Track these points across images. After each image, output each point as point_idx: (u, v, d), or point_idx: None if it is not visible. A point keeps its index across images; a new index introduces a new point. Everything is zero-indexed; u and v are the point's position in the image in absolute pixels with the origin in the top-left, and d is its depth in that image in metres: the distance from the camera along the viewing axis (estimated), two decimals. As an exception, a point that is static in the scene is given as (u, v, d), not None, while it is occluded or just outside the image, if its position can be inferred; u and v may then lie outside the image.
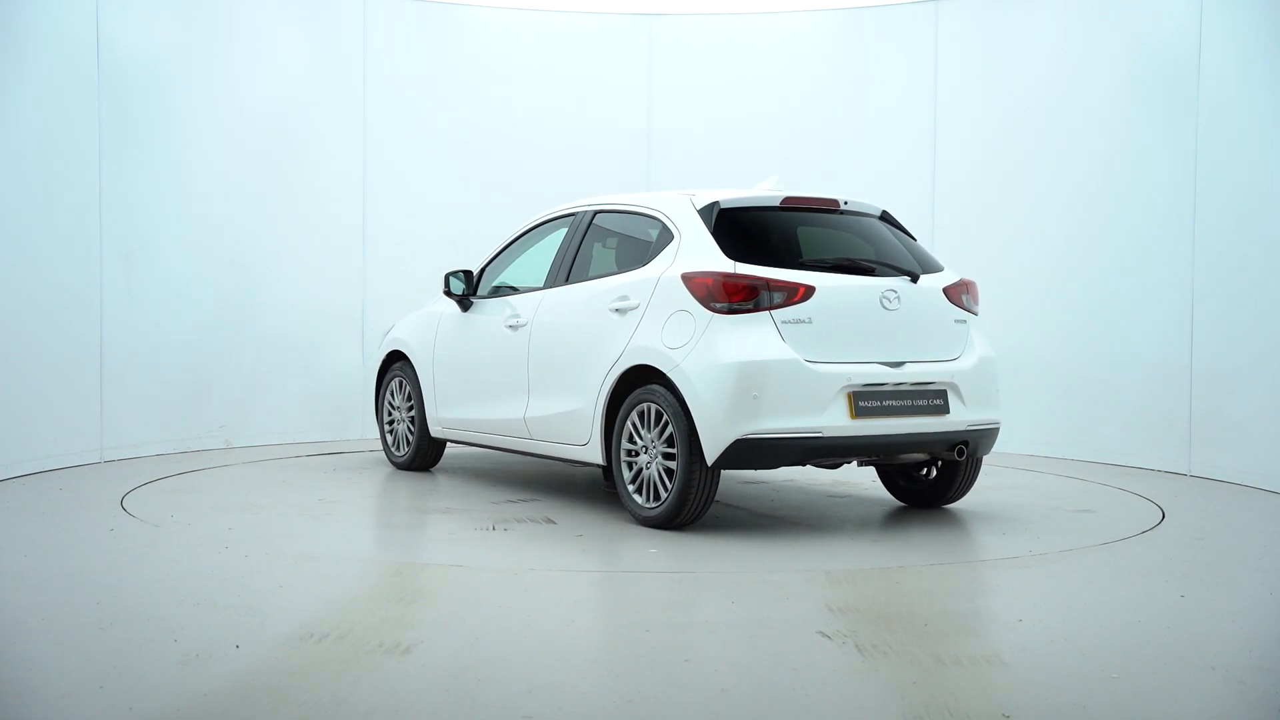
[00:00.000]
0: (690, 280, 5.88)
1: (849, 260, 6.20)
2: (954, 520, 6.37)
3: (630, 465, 6.11)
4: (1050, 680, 3.69)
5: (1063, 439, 8.85)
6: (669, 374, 5.84)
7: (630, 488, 6.11)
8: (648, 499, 6.03)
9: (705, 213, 6.12)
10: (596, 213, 6.83)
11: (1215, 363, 7.87)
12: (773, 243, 6.25)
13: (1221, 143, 7.80)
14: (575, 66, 10.09)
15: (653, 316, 6.02)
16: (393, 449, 8.15)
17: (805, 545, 5.70)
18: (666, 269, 6.06)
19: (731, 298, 5.77)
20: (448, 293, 7.52)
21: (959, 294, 6.27)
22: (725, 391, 5.66)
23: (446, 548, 5.66)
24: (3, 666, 3.73)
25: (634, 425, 6.06)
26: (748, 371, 5.66)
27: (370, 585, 4.80)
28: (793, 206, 6.28)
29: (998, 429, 6.31)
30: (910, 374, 5.94)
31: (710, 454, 5.71)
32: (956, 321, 6.21)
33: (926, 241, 9.54)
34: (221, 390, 8.93)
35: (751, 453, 5.71)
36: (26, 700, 3.42)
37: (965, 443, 6.10)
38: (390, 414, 8.17)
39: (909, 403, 5.94)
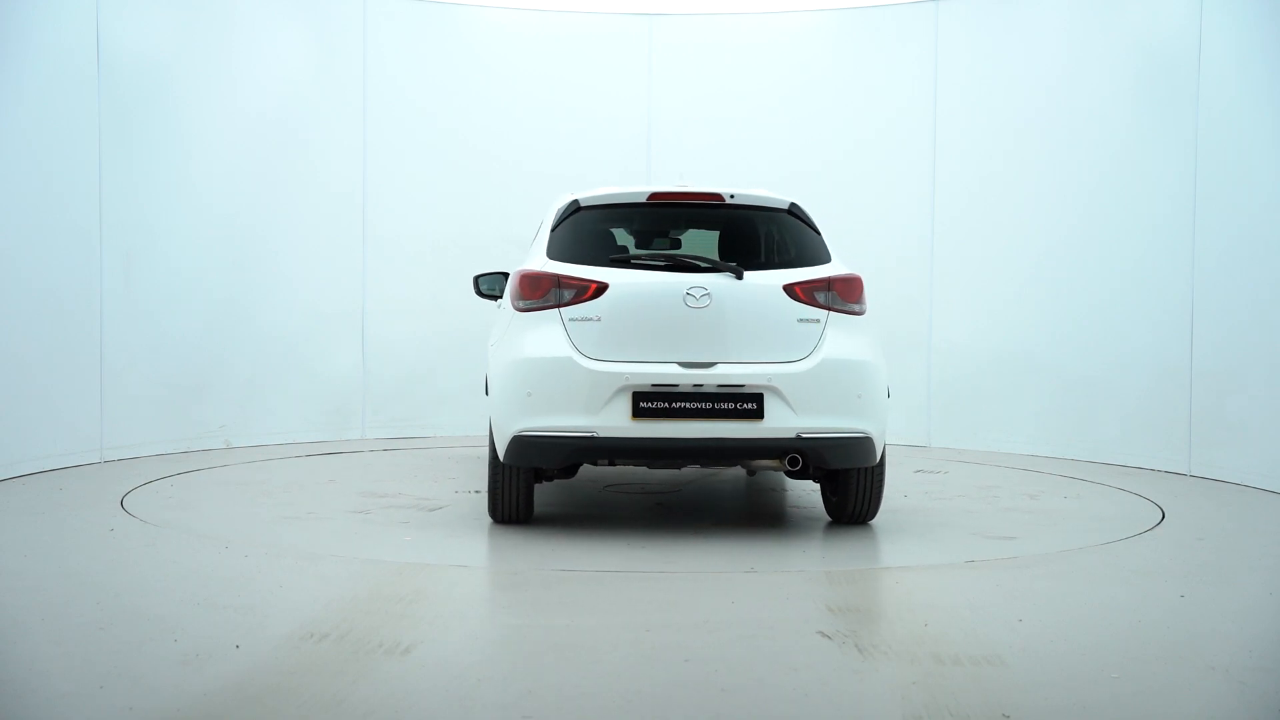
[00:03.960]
0: (513, 278, 5.97)
1: (666, 257, 6.03)
2: (953, 521, 6.37)
3: None
4: (1050, 680, 3.69)
5: (1062, 439, 8.85)
6: (487, 370, 5.94)
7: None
8: None
9: (562, 210, 6.13)
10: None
11: (1215, 363, 7.87)
12: (606, 240, 6.21)
13: (1222, 143, 7.81)
14: (575, 67, 10.09)
15: (500, 314, 6.16)
16: None
17: (805, 545, 5.70)
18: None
19: (529, 295, 5.79)
20: (477, 293, 7.61)
21: (812, 291, 5.78)
22: (506, 388, 5.71)
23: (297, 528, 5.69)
24: (3, 666, 3.73)
25: None
26: (520, 369, 5.66)
27: (370, 585, 4.80)
28: (662, 202, 6.18)
29: (860, 439, 5.68)
30: (716, 376, 5.58)
31: (500, 450, 5.73)
32: (801, 321, 5.72)
33: (926, 241, 9.55)
34: (221, 390, 8.94)
35: (530, 450, 5.63)
36: (26, 700, 3.42)
37: (800, 452, 5.66)
38: None
39: (708, 406, 5.57)
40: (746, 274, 5.77)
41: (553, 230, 6.06)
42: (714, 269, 5.80)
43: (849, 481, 6.02)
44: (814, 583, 4.95)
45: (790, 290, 5.76)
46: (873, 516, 6.16)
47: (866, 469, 5.94)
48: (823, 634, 4.13)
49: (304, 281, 9.41)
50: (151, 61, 8.40)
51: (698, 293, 5.67)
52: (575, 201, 6.14)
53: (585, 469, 7.88)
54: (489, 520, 6.18)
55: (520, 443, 5.62)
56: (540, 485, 7.32)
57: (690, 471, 7.78)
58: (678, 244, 6.88)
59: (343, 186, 9.61)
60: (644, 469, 7.69)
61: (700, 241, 6.93)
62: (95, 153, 7.94)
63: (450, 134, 9.91)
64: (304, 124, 9.39)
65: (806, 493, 7.15)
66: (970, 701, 3.47)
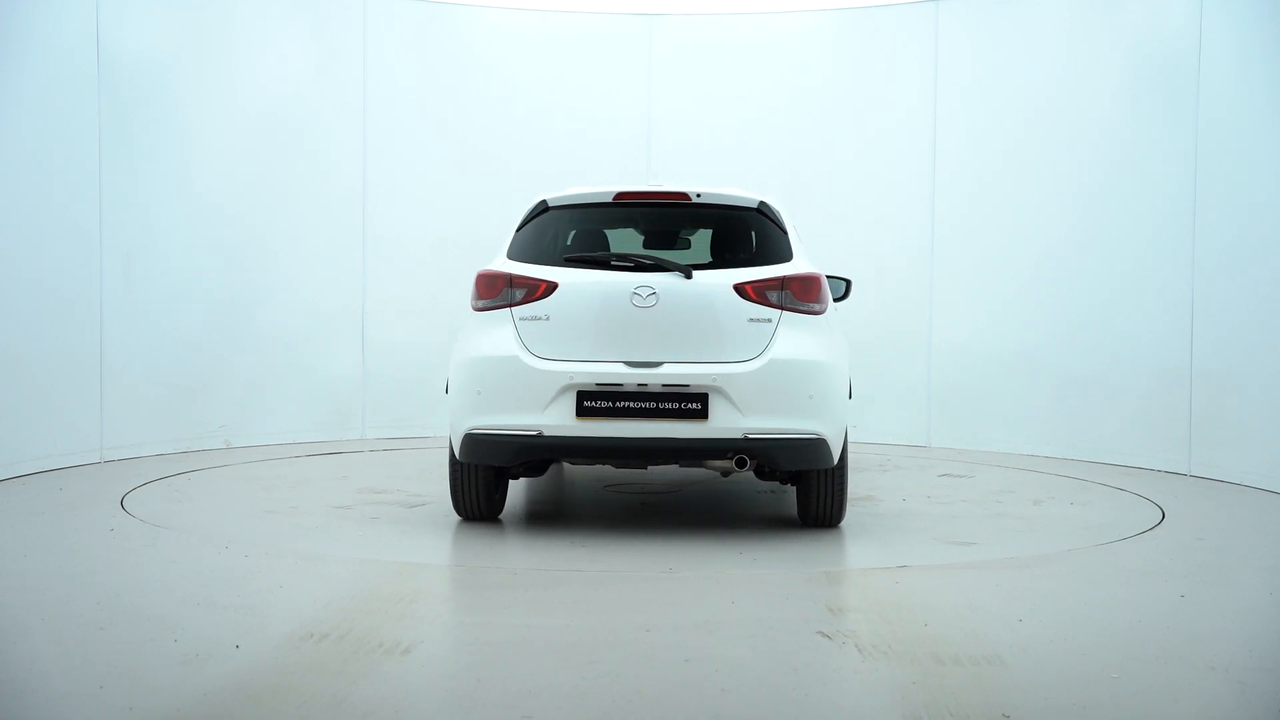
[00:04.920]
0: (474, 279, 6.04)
1: (620, 256, 5.96)
2: (952, 521, 6.37)
3: None
4: (1050, 680, 3.69)
5: (1063, 439, 8.85)
6: (449, 369, 5.98)
7: None
8: None
9: (530, 210, 6.16)
10: None
11: (1215, 363, 7.88)
12: (565, 239, 6.20)
13: (1222, 143, 7.81)
14: (575, 66, 10.10)
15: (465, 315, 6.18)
16: None
17: (805, 545, 5.70)
18: None
19: (484, 294, 5.83)
20: None
21: (764, 290, 5.69)
22: (459, 387, 5.76)
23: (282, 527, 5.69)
24: (3, 666, 3.73)
25: None
26: (472, 368, 5.71)
27: (370, 585, 4.80)
28: (628, 201, 6.17)
29: (812, 440, 5.57)
30: (661, 375, 5.55)
31: (455, 447, 5.78)
32: (752, 320, 5.64)
33: (926, 241, 9.55)
34: (221, 390, 8.94)
35: (480, 448, 5.67)
36: (26, 700, 3.42)
37: (749, 453, 5.58)
38: None
39: (653, 405, 5.54)
40: (697, 273, 5.73)
41: (518, 230, 6.10)
42: (662, 268, 5.76)
43: (809, 484, 5.95)
44: (814, 583, 4.95)
45: (741, 289, 5.70)
46: (839, 520, 6.08)
47: (826, 471, 5.85)
48: (823, 634, 4.13)
49: (304, 281, 9.41)
50: (151, 61, 8.40)
51: (644, 292, 5.66)
52: (544, 202, 6.17)
53: (585, 469, 7.89)
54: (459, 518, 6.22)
55: (471, 440, 5.67)
56: (540, 483, 7.34)
57: (687, 473, 7.78)
58: (686, 244, 6.85)
59: (343, 186, 9.61)
60: (647, 470, 7.69)
61: (666, 241, 6.92)
62: (95, 153, 7.94)
63: (451, 134, 9.91)
64: (304, 124, 9.39)
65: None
66: (970, 701, 3.47)
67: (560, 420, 5.56)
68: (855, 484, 7.45)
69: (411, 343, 9.77)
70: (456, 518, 6.28)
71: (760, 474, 6.00)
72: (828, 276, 7.36)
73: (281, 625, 4.19)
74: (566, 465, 7.89)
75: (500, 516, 6.32)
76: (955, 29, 9.45)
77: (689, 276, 5.71)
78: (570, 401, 5.57)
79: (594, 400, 5.57)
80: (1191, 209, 8.00)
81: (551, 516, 6.43)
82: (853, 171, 9.78)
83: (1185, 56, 8.01)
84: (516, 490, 7.17)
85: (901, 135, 9.66)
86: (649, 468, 7.58)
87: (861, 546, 5.73)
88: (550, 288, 5.71)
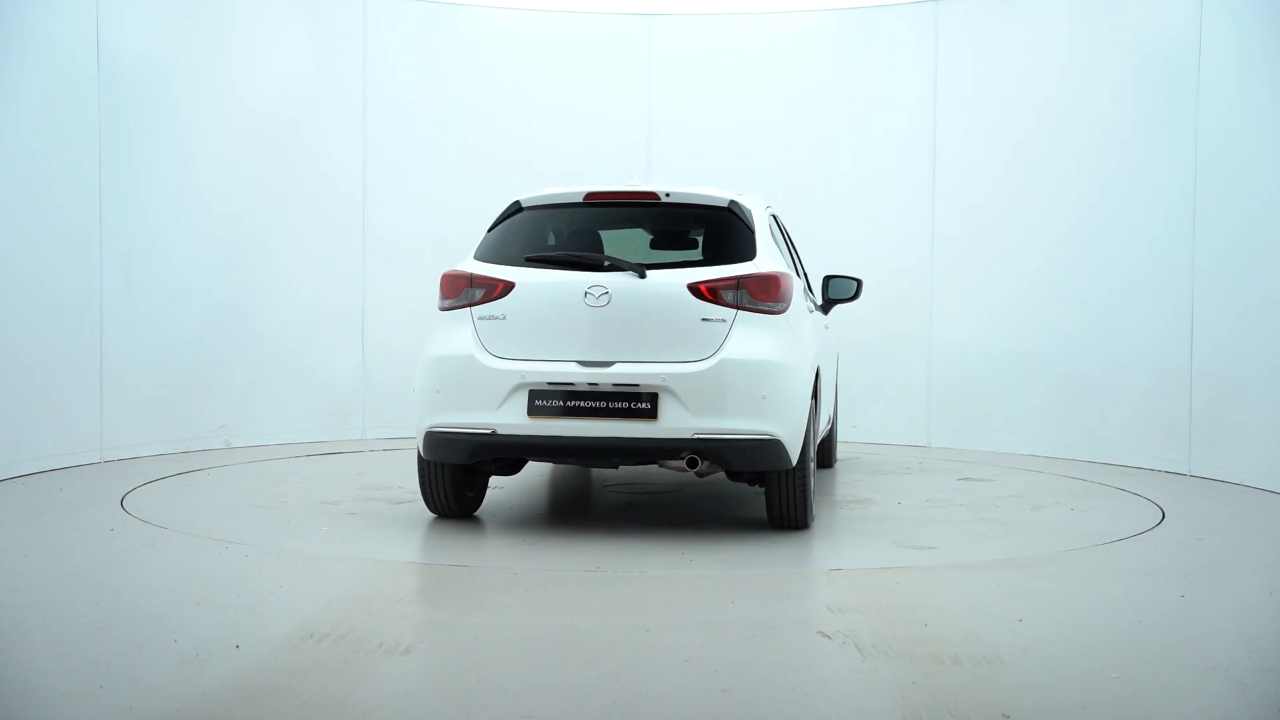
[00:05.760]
0: None
1: (578, 256, 5.93)
2: (952, 520, 6.37)
3: None
4: (1050, 680, 3.69)
5: (1063, 439, 8.85)
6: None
7: None
8: None
9: (503, 211, 6.22)
10: None
11: (1215, 363, 7.88)
12: (537, 240, 6.20)
13: (1222, 143, 7.81)
14: (575, 66, 10.10)
15: None
16: None
17: (805, 545, 5.70)
18: None
19: (448, 295, 5.90)
20: None
21: (719, 290, 5.63)
22: (421, 386, 5.85)
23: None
24: (3, 666, 3.73)
25: None
26: (432, 367, 5.82)
27: (370, 585, 4.80)
28: (598, 202, 6.19)
29: (764, 441, 5.50)
30: (612, 375, 5.54)
31: (419, 445, 5.85)
32: (705, 320, 5.59)
33: (926, 241, 9.55)
34: (221, 390, 8.93)
35: (439, 445, 5.75)
36: (26, 700, 3.42)
37: (699, 453, 5.55)
38: None
39: (603, 405, 5.55)
40: (654, 273, 5.71)
41: (489, 231, 6.16)
42: (616, 268, 5.74)
43: (771, 486, 5.84)
44: (814, 583, 4.95)
45: (695, 289, 5.65)
46: (804, 522, 5.94)
47: (787, 473, 5.74)
48: (823, 634, 4.13)
49: (304, 281, 9.41)
50: (151, 61, 8.40)
51: (596, 291, 5.66)
52: (517, 202, 6.23)
53: (592, 470, 7.88)
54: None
55: (431, 438, 5.76)
56: (542, 482, 7.34)
57: (683, 474, 7.78)
58: (693, 244, 6.84)
59: (343, 186, 9.60)
60: (619, 469, 7.68)
61: (636, 240, 6.91)
62: (95, 153, 7.94)
63: (451, 134, 9.91)
64: (304, 124, 9.39)
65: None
66: (970, 701, 3.47)
67: (513, 419, 5.60)
68: (862, 486, 7.45)
69: (411, 343, 9.65)
70: (406, 513, 6.29)
71: (730, 475, 5.96)
72: (837, 277, 7.35)
73: (281, 625, 4.19)
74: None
75: (500, 516, 6.32)
76: (955, 29, 9.45)
77: (643, 276, 5.71)
78: (523, 400, 5.61)
79: (545, 399, 5.60)
80: (1191, 209, 7.99)
81: (550, 516, 6.43)
82: (853, 171, 9.78)
83: (1185, 56, 8.01)
84: (515, 488, 7.17)
85: (902, 135, 9.66)
86: (642, 468, 7.58)
87: (809, 548, 5.65)
88: (507, 287, 5.76)
